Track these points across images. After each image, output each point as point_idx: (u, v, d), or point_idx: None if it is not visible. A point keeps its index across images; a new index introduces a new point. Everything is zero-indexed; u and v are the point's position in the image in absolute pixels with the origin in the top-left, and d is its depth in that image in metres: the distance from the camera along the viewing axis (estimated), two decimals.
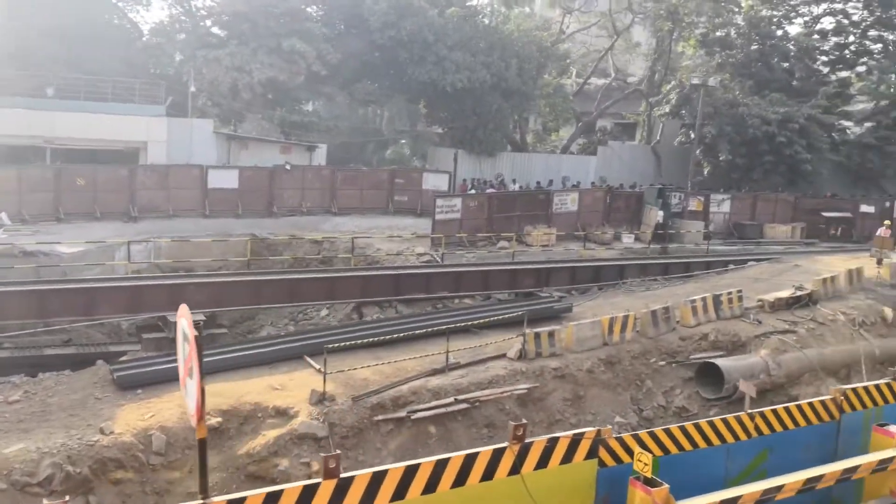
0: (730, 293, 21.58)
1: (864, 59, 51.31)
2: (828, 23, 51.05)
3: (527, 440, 10.74)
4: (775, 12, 49.75)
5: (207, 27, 40.05)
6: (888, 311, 22.85)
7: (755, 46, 47.12)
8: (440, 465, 10.27)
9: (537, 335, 18.45)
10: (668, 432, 11.86)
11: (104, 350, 21.39)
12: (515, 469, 10.55)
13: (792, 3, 50.34)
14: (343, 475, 9.86)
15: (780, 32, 50.12)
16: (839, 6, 49.58)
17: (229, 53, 36.42)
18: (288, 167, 33.70)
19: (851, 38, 50.64)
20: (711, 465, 12.15)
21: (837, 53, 50.76)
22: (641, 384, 19.16)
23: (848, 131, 48.65)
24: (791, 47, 48.82)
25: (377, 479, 9.87)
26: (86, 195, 30.94)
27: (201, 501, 9.39)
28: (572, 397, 17.96)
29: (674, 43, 51.34)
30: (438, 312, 21.58)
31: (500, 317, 19.16)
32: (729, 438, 12.39)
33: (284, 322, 27.13)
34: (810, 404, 13.53)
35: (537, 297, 24.20)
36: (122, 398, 15.79)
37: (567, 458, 10.99)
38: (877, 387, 14.35)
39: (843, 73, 51.63)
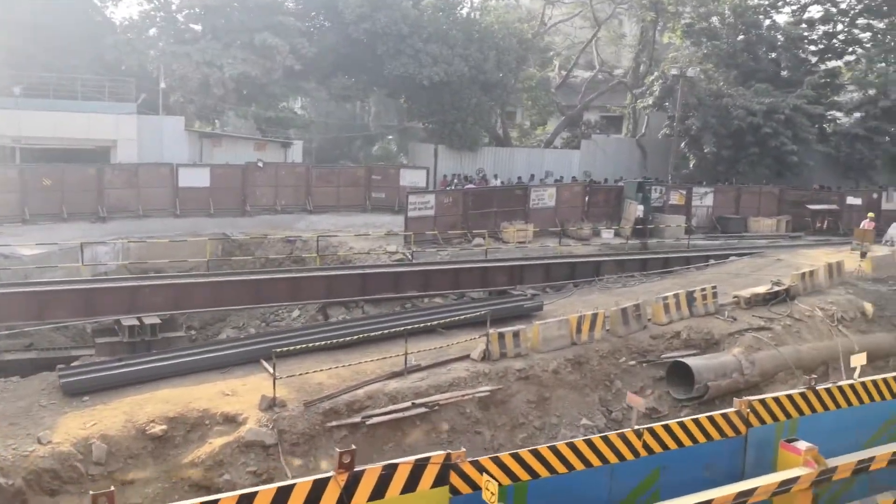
0: (703, 289, 21.20)
1: (853, 49, 50.84)
2: (815, 11, 50.57)
3: (359, 468, 9.58)
4: (762, 1, 49.25)
5: (179, 22, 39.47)
6: (868, 306, 22.48)
7: (741, 37, 46.63)
8: (245, 501, 8.91)
9: (501, 335, 18.06)
10: (536, 454, 10.86)
11: (66, 355, 20.93)
12: (342, 503, 9.31)
13: None
14: None
15: (767, 22, 49.64)
16: None
17: (200, 49, 35.89)
18: (260, 164, 33.21)
19: (840, 27, 50.15)
20: (592, 489, 11.19)
21: (826, 43, 50.27)
22: (610, 385, 18.80)
23: (837, 122, 48.24)
24: (779, 37, 48.32)
25: None
26: (53, 195, 30.41)
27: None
28: (537, 399, 17.58)
29: (659, 34, 50.93)
30: (405, 313, 21.18)
31: (463, 316, 18.70)
32: (612, 458, 11.36)
33: (256, 323, 26.68)
34: (710, 418, 12.47)
35: (510, 296, 23.83)
36: (68, 405, 15.40)
37: (410, 486, 9.82)
38: (790, 397, 13.35)
39: (833, 63, 51.18)
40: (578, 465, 11.09)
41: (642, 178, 40.41)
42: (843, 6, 49.41)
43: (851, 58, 50.22)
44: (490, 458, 10.65)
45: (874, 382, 14.24)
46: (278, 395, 15.59)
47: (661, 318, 20.39)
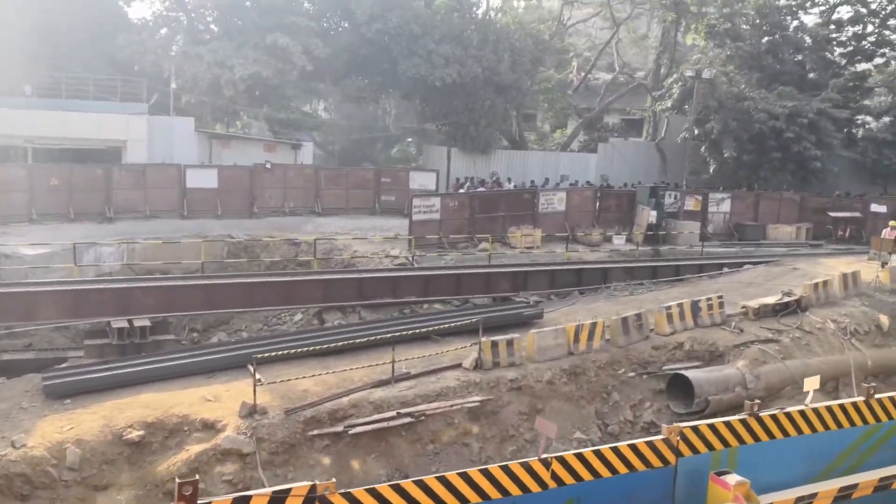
0: (709, 299, 20.58)
1: (884, 51, 49.53)
2: (844, 12, 49.37)
3: (203, 500, 8.82)
4: (790, 1, 48.19)
5: (192, 22, 39.67)
6: (884, 319, 21.66)
7: (766, 38, 45.63)
8: None
9: (494, 344, 17.68)
10: (421, 484, 9.94)
11: (63, 356, 21.05)
12: None
13: None
14: None
15: (795, 23, 48.59)
16: None
17: (212, 49, 35.97)
18: (268, 166, 33.15)
19: (870, 28, 48.87)
20: None
21: (855, 44, 49.02)
22: (608, 397, 18.31)
23: (867, 126, 46.99)
24: (806, 38, 47.25)
25: None
26: (60, 195, 30.64)
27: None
28: (529, 411, 17.15)
29: (681, 35, 50.07)
30: (400, 319, 20.89)
31: (457, 324, 18.32)
32: (514, 490, 10.49)
33: (258, 326, 26.64)
34: (633, 447, 11.47)
35: (512, 303, 23.45)
36: (48, 409, 15.35)
37: None
38: (727, 424, 12.27)
39: (863, 66, 49.92)
40: (474, 498, 10.24)
41: (661, 182, 39.80)
42: (873, 6, 48.13)
43: (881, 60, 48.96)
44: (366, 489, 9.85)
45: (829, 409, 13.34)
46: (260, 402, 15.38)
47: (664, 328, 19.83)
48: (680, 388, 18.13)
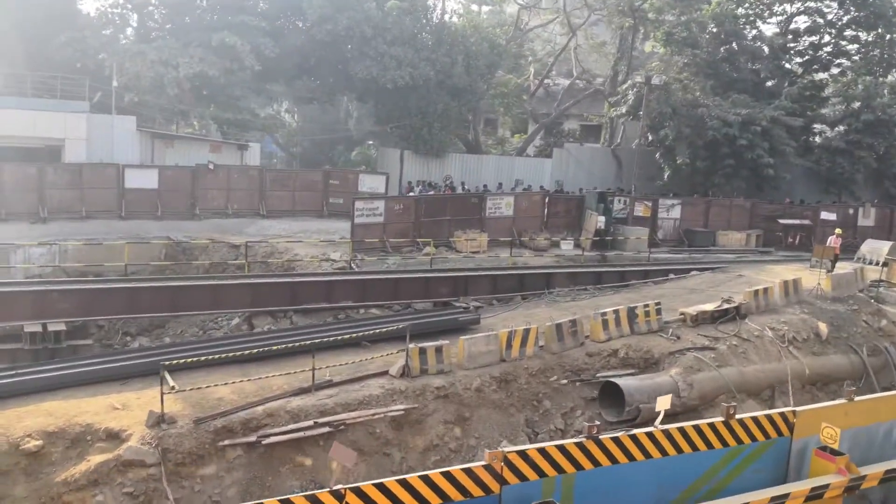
0: (646, 306, 20.44)
1: (840, 60, 50.27)
2: (801, 22, 50.01)
3: None
4: (748, 11, 48.67)
5: (138, 19, 38.88)
6: (823, 327, 21.72)
7: (723, 47, 45.96)
8: None
9: (423, 351, 17.32)
10: None
11: None
12: None
13: (766, 1, 49.24)
14: None
15: (754, 32, 49.11)
16: (813, 4, 48.45)
17: (157, 47, 35.19)
18: (211, 166, 32.47)
19: (827, 38, 49.57)
20: None
21: (812, 54, 49.67)
22: (539, 404, 18.05)
23: (823, 135, 47.52)
24: (763, 47, 47.72)
25: None
26: None
27: None
28: (455, 419, 16.83)
29: (640, 42, 50.31)
30: (331, 324, 20.43)
31: (383, 330, 17.90)
32: None
33: (194, 331, 25.99)
34: (447, 473, 10.52)
35: (453, 307, 23.10)
36: None
37: None
38: (561, 448, 11.24)
39: (821, 75, 50.60)
40: None
41: (616, 188, 39.79)
42: (830, 17, 48.84)
43: (837, 70, 49.66)
44: None
45: (682, 430, 12.58)
46: (171, 411, 14.85)
47: (600, 335, 19.62)
48: (612, 395, 17.93)
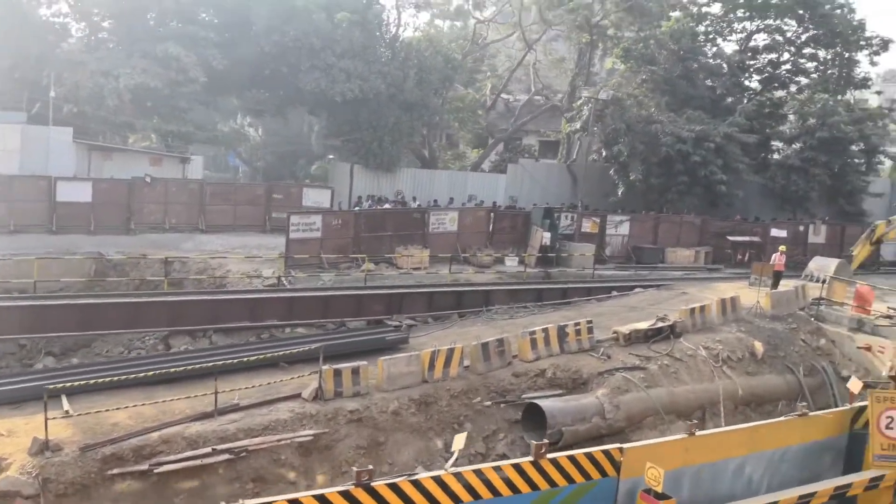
0: (577, 324, 20.01)
1: (799, 78, 50.70)
2: (761, 40, 50.42)
3: None
4: (708, 28, 48.98)
5: (81, 29, 38.10)
6: (758, 346, 21.45)
7: (683, 63, 46.09)
8: None
9: (338, 372, 16.69)
10: None
11: None
12: None
13: (726, 18, 49.57)
14: None
15: (714, 49, 49.41)
16: (773, 22, 48.82)
17: (98, 57, 34.42)
18: (147, 179, 31.64)
19: (786, 56, 49.99)
20: None
21: (771, 71, 50.03)
22: (460, 427, 17.42)
23: (780, 153, 47.76)
24: (723, 65, 47.99)
25: None
26: None
27: None
28: (368, 444, 16.18)
29: (599, 59, 50.36)
30: (252, 344, 19.71)
31: (293, 351, 17.26)
32: None
33: (119, 350, 25.14)
34: None
35: (385, 326, 22.52)
36: None
37: None
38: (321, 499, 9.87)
39: (780, 93, 51.00)
40: None
41: (570, 204, 39.58)
42: (789, 35, 49.23)
43: (796, 88, 50.05)
44: None
45: (478, 472, 10.99)
46: (60, 437, 14.09)
47: (528, 354, 19.14)
48: (536, 417, 17.42)
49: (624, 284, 28.15)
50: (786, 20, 48.61)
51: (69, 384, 14.06)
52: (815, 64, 50.26)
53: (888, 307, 24.90)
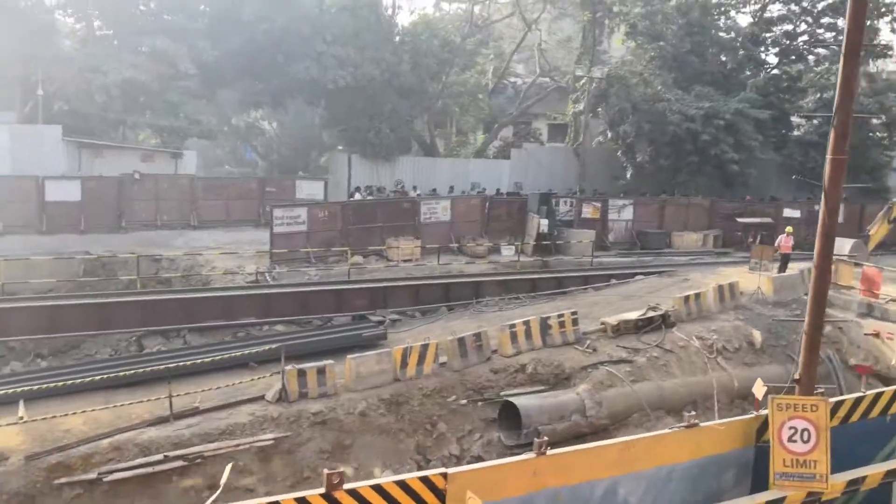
0: (560, 315, 19.32)
1: (818, 50, 48.99)
2: (776, 10, 48.78)
3: None
4: (722, 0, 47.50)
5: (70, 24, 37.92)
6: (757, 335, 20.59)
7: (692, 38, 44.73)
8: None
9: (302, 373, 16.22)
10: None
11: None
12: None
13: None
14: None
15: (728, 22, 47.95)
16: None
17: (87, 54, 34.18)
18: (137, 176, 31.37)
19: (803, 26, 48.28)
20: None
21: (787, 43, 48.37)
22: (433, 428, 16.93)
23: (799, 128, 46.23)
24: (736, 38, 46.53)
25: None
26: None
27: None
28: (333, 448, 15.72)
29: (607, 37, 49.13)
30: (224, 343, 19.27)
31: (254, 351, 16.79)
32: None
33: (107, 351, 25.00)
34: None
35: (368, 321, 22.02)
36: None
37: None
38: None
39: (798, 66, 49.35)
40: None
41: (576, 189, 38.67)
42: (804, 4, 47.54)
43: (814, 60, 48.42)
44: None
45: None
46: (8, 446, 13.82)
47: (508, 349, 18.53)
48: (513, 416, 16.80)
49: (624, 272, 27.34)
50: None
51: (20, 389, 13.70)
52: (833, 34, 48.51)
53: None
